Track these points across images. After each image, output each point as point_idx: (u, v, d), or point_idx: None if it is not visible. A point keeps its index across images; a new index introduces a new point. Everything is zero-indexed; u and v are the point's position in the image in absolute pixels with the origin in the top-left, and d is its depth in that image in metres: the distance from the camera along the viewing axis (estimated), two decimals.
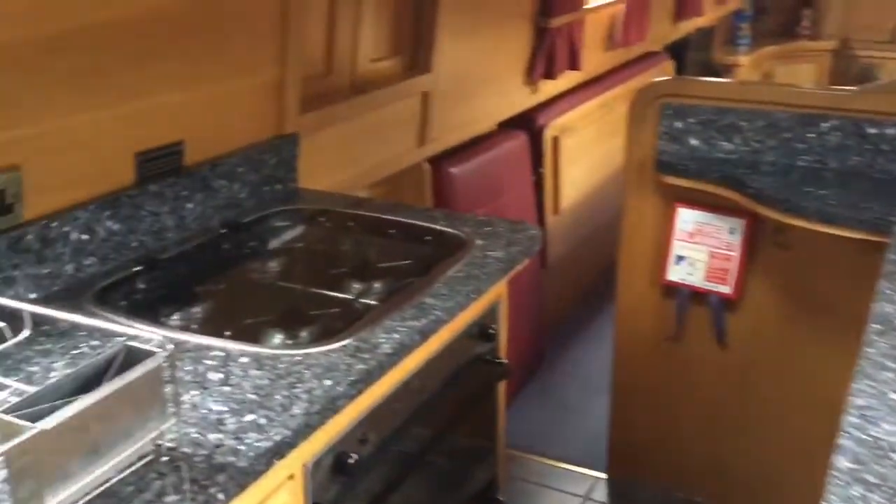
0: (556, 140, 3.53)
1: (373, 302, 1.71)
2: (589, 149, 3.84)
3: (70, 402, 0.95)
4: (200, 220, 1.94)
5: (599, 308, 3.74)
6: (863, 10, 6.57)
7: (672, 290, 2.56)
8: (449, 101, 2.84)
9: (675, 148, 2.49)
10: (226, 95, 1.97)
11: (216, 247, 1.92)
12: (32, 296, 1.57)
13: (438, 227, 2.01)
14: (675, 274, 2.55)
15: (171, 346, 1.06)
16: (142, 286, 1.73)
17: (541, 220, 3.51)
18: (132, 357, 1.05)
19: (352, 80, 2.48)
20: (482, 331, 1.88)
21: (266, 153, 2.12)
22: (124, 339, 1.11)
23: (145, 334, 1.10)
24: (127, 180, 1.77)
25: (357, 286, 1.81)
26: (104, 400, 0.97)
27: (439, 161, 2.87)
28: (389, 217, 2.11)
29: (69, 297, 1.61)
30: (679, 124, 2.48)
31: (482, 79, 3.08)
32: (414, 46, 2.69)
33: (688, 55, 5.30)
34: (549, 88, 3.54)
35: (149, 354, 1.05)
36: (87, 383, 1.01)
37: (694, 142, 2.48)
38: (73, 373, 1.02)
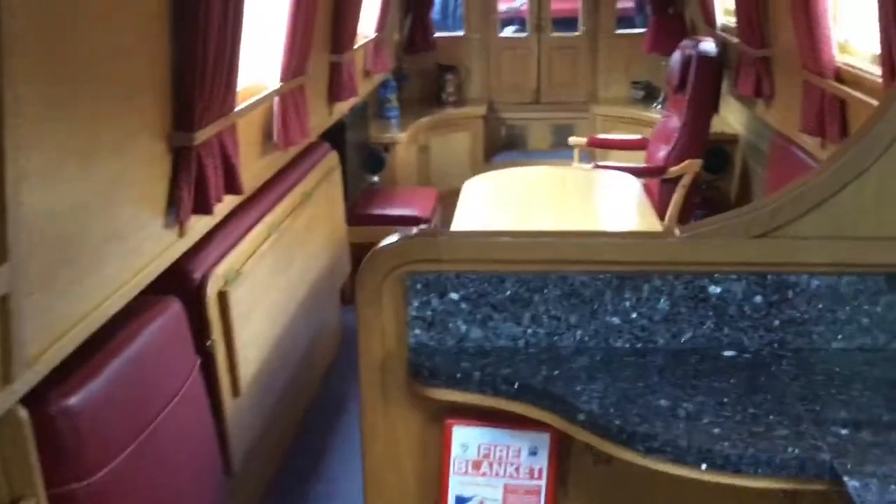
0: (223, 296, 2.50)
1: None
2: (267, 291, 2.85)
3: None
4: None
5: None
6: (504, 74, 6.36)
7: None
8: (46, 292, 1.70)
9: (436, 339, 1.62)
10: None
11: None
12: None
13: None
14: None
15: None
16: None
17: (216, 412, 2.45)
18: None
19: None
20: None
21: None
22: None
23: None
24: None
25: None
26: None
27: (41, 397, 1.71)
28: None
29: None
30: (438, 304, 1.62)
31: (101, 235, 1.96)
32: None
33: (346, 139, 4.53)
34: (200, 225, 2.50)
35: None
36: None
37: (463, 327, 1.63)
38: None
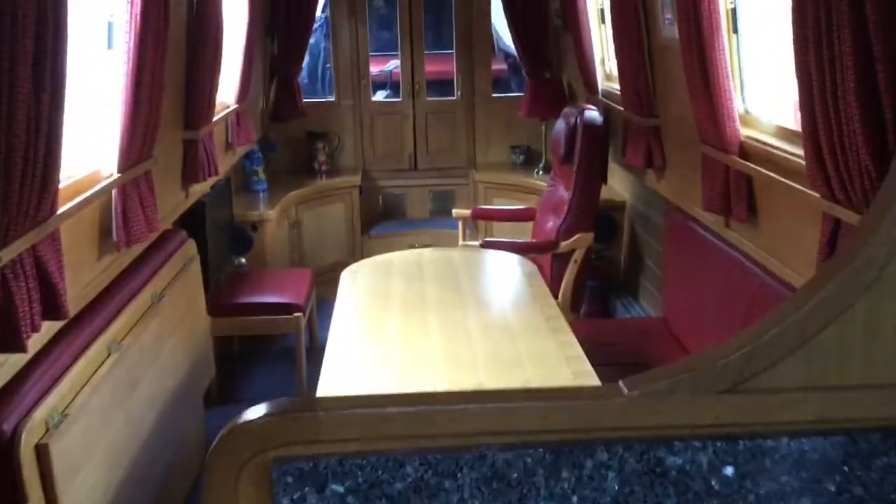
0: (42, 451, 1.98)
1: None
2: (105, 428, 2.33)
3: None
4: None
5: None
6: (378, 140, 6.01)
7: None
8: None
9: None
10: None
11: None
12: None
13: None
14: None
15: None
16: None
17: None
18: None
19: None
20: None
21: None
22: None
23: None
24: None
25: None
26: None
27: None
28: None
29: None
30: (316, 501, 1.20)
31: None
32: None
33: (207, 219, 4.04)
34: (11, 362, 1.99)
35: None
36: None
37: None
38: None
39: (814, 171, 2.20)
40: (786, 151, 2.60)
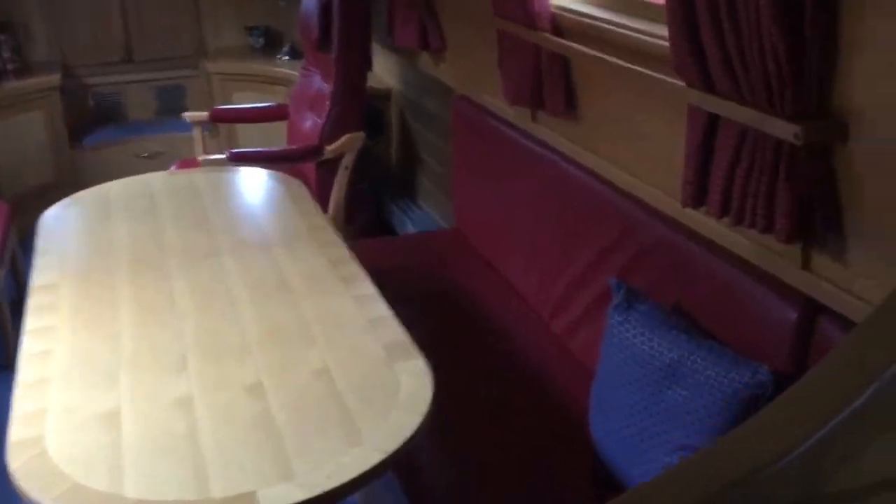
0: None
1: None
2: None
3: None
4: None
5: None
6: (79, 27, 4.82)
7: None
8: None
9: None
10: None
11: None
12: None
13: None
14: None
15: None
16: None
17: None
18: None
19: None
20: None
21: None
22: None
23: None
24: None
25: None
26: None
27: None
28: None
29: None
30: None
31: None
32: None
33: None
34: None
35: None
36: None
37: None
38: None
39: (682, 49, 1.66)
40: (620, 25, 2.04)
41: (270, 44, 5.01)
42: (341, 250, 2.30)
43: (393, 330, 1.88)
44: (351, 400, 1.65)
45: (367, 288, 2.09)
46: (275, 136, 4.20)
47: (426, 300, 2.69)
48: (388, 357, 1.78)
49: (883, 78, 1.36)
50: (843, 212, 1.51)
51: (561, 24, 2.29)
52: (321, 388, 1.69)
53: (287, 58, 4.74)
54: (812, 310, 1.59)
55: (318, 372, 1.75)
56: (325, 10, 3.48)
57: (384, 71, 4.22)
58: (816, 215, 1.53)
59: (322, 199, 3.29)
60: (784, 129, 1.47)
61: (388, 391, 1.67)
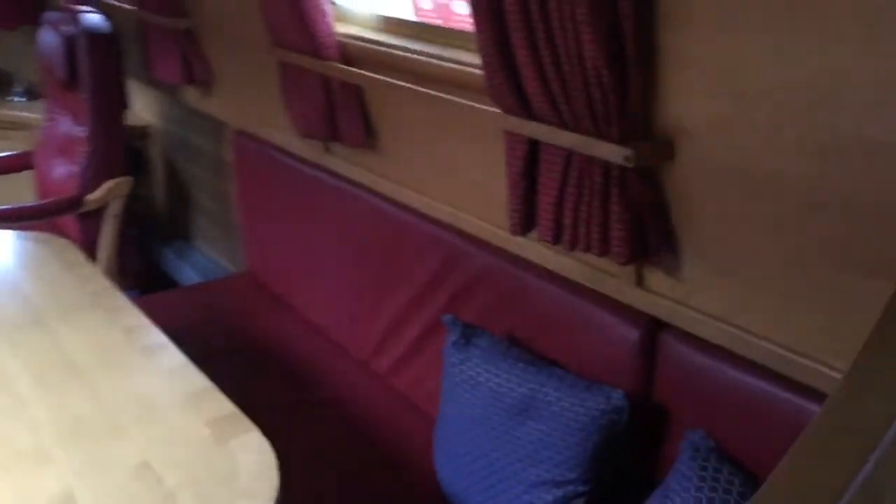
0: None
1: None
2: None
3: None
4: None
5: None
6: None
7: None
8: None
9: None
10: None
11: None
12: None
13: None
14: None
15: None
16: None
17: None
18: None
19: None
20: None
21: None
22: None
23: None
24: None
25: None
26: None
27: None
28: None
29: None
30: None
31: None
32: None
33: None
34: None
35: None
36: None
37: None
38: None
39: (497, 76, 1.60)
40: (423, 53, 1.97)
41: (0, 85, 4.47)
42: (136, 315, 2.04)
43: (216, 401, 1.68)
44: (185, 498, 1.44)
45: (175, 356, 1.86)
46: (16, 190, 3.73)
47: (230, 357, 2.47)
48: (216, 435, 1.59)
49: (702, 97, 1.39)
50: (675, 229, 1.53)
51: (349, 53, 2.18)
52: (145, 488, 1.46)
53: (23, 100, 4.25)
54: (653, 327, 1.60)
55: (138, 468, 1.51)
56: (69, 45, 3.13)
57: (143, 107, 3.89)
58: (650, 235, 1.54)
59: (88, 255, 2.95)
60: (613, 152, 1.46)
61: (225, 477, 1.48)
